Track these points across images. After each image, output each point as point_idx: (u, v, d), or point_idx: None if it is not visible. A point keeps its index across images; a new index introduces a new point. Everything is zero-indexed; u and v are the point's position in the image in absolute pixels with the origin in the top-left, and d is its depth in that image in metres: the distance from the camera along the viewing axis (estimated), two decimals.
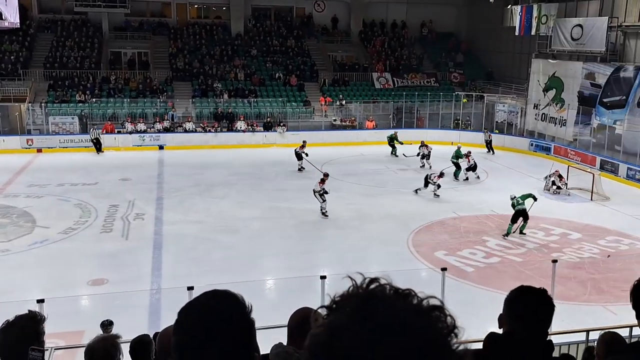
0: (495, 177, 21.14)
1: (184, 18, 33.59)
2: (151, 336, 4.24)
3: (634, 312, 2.16)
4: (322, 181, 16.15)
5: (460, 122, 29.16)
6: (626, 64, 22.82)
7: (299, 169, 21.63)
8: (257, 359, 1.25)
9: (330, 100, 29.54)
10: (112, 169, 21.57)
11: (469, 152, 20.83)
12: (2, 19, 17.94)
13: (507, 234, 14.57)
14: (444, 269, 9.28)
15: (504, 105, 28.90)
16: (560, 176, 18.80)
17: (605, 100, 23.42)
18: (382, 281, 0.87)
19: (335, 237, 14.63)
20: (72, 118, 26.20)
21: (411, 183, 20.11)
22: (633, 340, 4.77)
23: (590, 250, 13.83)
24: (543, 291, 2.09)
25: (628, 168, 21.13)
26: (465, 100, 29.58)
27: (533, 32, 27.06)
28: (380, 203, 17.53)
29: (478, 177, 20.74)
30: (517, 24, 27.95)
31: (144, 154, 24.64)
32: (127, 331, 4.27)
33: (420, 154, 22.54)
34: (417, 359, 0.81)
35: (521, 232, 14.73)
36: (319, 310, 0.90)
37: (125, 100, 27.81)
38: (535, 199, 15.03)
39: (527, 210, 14.55)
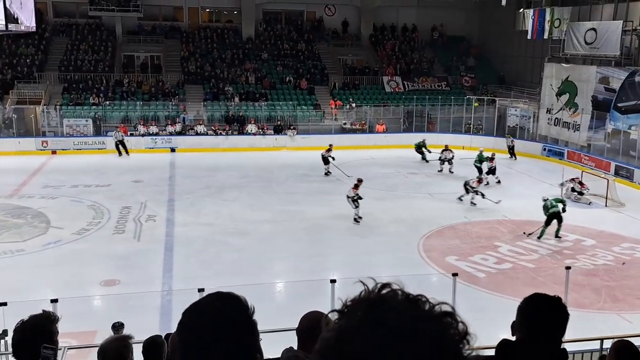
0: (508, 182, 20.98)
1: (195, 22, 33.81)
2: (163, 337, 4.26)
3: None
4: (356, 187, 15.86)
5: (471, 126, 29.02)
6: None
7: (326, 173, 21.32)
8: None
9: (341, 103, 29.55)
10: (125, 171, 21.74)
11: (493, 155, 20.70)
12: (18, 22, 18.17)
13: (540, 237, 14.49)
14: (455, 275, 9.24)
15: (516, 110, 28.72)
16: (581, 183, 18.35)
17: (619, 105, 23.20)
18: (394, 286, 0.88)
19: (345, 240, 14.60)
20: (86, 120, 26.47)
21: (422, 187, 20.07)
22: None
23: (604, 257, 13.67)
24: (557, 299, 2.07)
25: None
26: (476, 104, 29.44)
27: (546, 36, 26.88)
28: (390, 207, 17.48)
29: (499, 182, 20.35)
30: (529, 27, 27.79)
31: (156, 156, 24.80)
32: (138, 332, 4.30)
33: (443, 158, 22.16)
34: None
35: (557, 236, 14.56)
36: (330, 315, 0.91)
37: (137, 103, 28.03)
38: (564, 209, 14.75)
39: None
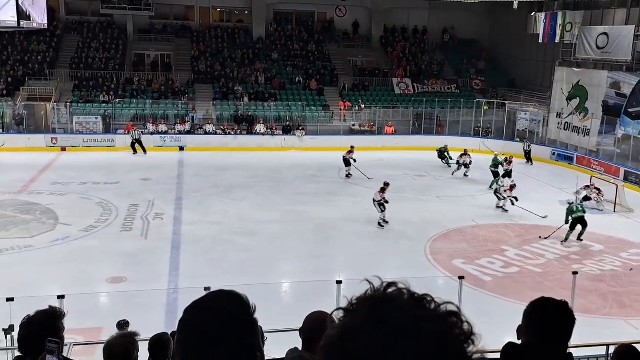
0: (517, 186, 20.85)
1: (206, 21, 33.93)
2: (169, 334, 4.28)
3: None
4: (383, 190, 15.74)
5: (481, 129, 28.91)
6: None
7: (347, 175, 21.25)
8: (260, 358, 1.26)
9: (350, 105, 29.54)
10: (134, 169, 21.84)
11: (511, 158, 20.58)
12: (30, 20, 18.32)
13: (565, 240, 14.52)
14: (461, 278, 9.21)
15: (525, 114, 28.58)
16: (598, 189, 18.11)
17: (630, 110, 23.03)
18: (400, 285, 0.88)
19: (352, 242, 14.59)
20: (96, 118, 26.61)
21: (430, 190, 20.01)
22: None
23: (612, 263, 13.58)
24: (564, 303, 2.06)
25: None
26: (486, 107, 29.33)
27: (557, 40, 26.73)
28: (398, 209, 17.40)
29: (515, 185, 20.24)
30: (541, 31, 27.64)
31: (165, 154, 24.91)
32: (144, 329, 4.32)
33: (462, 162, 21.96)
34: None
35: (579, 239, 14.63)
36: (335, 313, 0.91)
37: (147, 101, 28.16)
38: (584, 218, 14.75)
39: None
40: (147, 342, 4.09)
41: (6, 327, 6.78)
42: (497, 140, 27.25)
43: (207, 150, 25.60)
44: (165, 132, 26.58)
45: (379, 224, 15.59)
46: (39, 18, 19.33)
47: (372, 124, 28.92)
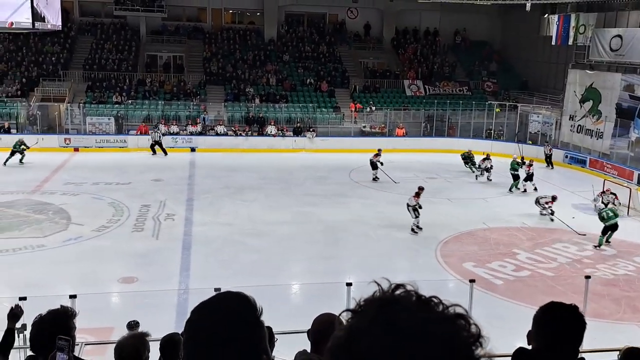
0: (529, 189, 20.72)
1: (218, 23, 34.09)
2: (180, 335, 4.29)
3: None
4: (417, 195, 15.43)
5: (492, 132, 28.74)
6: None
7: (374, 179, 21.10)
8: None
9: (361, 106, 29.52)
10: (145, 170, 21.98)
11: (531, 162, 20.43)
12: (44, 21, 18.51)
13: (599, 245, 14.48)
14: (472, 281, 9.14)
15: (538, 116, 28.38)
16: (614, 194, 17.72)
17: None
18: (408, 287, 0.87)
19: (363, 244, 14.56)
20: (109, 119, 26.84)
21: (441, 192, 19.90)
22: None
23: (625, 268, 13.43)
24: (574, 308, 2.04)
25: None
26: (498, 109, 29.15)
27: (570, 42, 26.53)
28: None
29: (535, 189, 19.84)
30: (553, 33, 27.46)
31: (176, 155, 25.03)
32: (154, 330, 4.34)
33: (484, 167, 21.68)
34: None
35: (607, 241, 14.62)
36: (343, 315, 0.91)
37: (159, 102, 28.34)
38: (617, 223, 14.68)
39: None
40: (158, 342, 4.11)
41: (18, 326, 6.84)
42: (509, 143, 27.07)
43: (218, 152, 25.70)
44: (177, 133, 26.73)
45: (412, 230, 15.24)
46: (53, 19, 19.53)
47: (382, 125, 28.87)
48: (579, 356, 2.03)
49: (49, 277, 11.66)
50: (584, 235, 15.42)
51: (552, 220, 16.47)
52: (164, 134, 26.31)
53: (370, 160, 21.28)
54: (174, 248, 13.77)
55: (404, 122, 28.96)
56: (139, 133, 26.36)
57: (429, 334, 0.81)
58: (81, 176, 20.60)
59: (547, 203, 16.66)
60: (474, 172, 22.67)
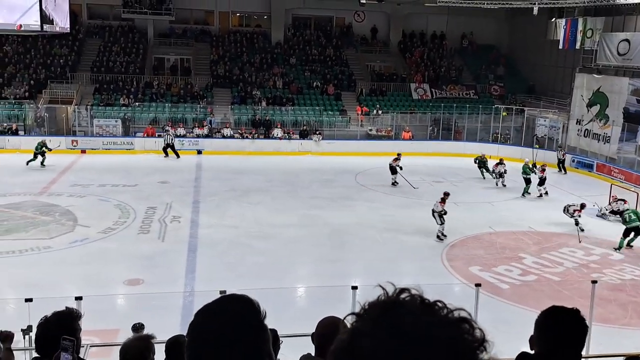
0: (535, 194, 20.63)
1: (226, 26, 34.21)
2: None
3: None
4: (443, 201, 15.30)
5: (499, 135, 28.66)
6: None
7: (393, 183, 21.03)
8: None
9: (367, 110, 29.51)
10: (152, 172, 22.05)
11: (544, 166, 20.30)
12: (53, 24, 18.63)
13: (620, 248, 14.40)
14: (478, 285, 9.10)
15: (545, 120, 28.28)
16: (623, 200, 17.44)
17: None
18: (413, 291, 0.87)
19: (369, 247, 14.54)
20: (116, 121, 26.96)
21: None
22: None
23: (632, 272, 13.35)
24: (576, 311, 2.03)
25: None
26: (505, 113, 29.07)
27: (578, 46, 26.44)
28: (415, 215, 17.35)
29: (547, 193, 19.74)
30: (561, 37, 27.38)
31: (183, 158, 25.10)
32: (160, 332, 4.34)
33: (497, 172, 21.46)
34: None
35: (629, 245, 14.51)
36: (347, 318, 0.91)
37: (166, 105, 28.45)
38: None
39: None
40: (163, 344, 4.11)
41: (24, 327, 6.87)
42: (515, 147, 26.99)
43: (225, 154, 25.75)
44: (184, 136, 26.81)
45: (438, 237, 15.04)
46: (62, 22, 19.65)
47: (389, 129, 28.84)
48: None
49: (54, 278, 11.70)
50: (580, 242, 15.22)
51: (582, 230, 15.67)
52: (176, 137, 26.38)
53: (390, 164, 21.17)
54: (179, 250, 13.79)
55: (410, 126, 28.92)
56: (145, 135, 26.47)
57: (433, 337, 0.81)
58: (88, 178, 20.69)
59: (575, 211, 16.16)
60: (484, 177, 22.45)
